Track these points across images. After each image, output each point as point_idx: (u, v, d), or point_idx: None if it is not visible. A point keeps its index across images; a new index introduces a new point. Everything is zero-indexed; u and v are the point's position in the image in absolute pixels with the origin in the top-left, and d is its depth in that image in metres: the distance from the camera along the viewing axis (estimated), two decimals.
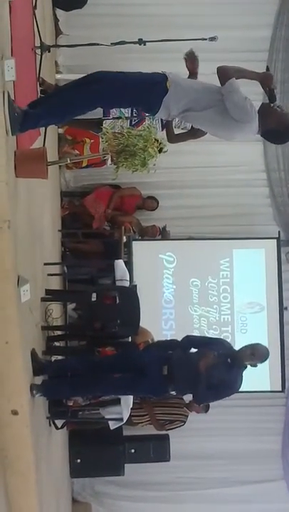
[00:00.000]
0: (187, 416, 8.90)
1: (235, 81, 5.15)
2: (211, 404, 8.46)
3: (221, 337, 9.80)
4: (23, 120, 4.85)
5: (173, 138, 8.02)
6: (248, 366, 6.46)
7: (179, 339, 6.81)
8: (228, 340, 9.64)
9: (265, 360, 6.53)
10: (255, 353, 6.42)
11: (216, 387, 6.37)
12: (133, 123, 8.95)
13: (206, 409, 8.83)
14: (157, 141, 8.67)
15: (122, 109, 8.72)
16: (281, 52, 10.05)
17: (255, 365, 6.44)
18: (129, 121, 8.92)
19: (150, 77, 5.21)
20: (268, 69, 5.37)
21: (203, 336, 7.14)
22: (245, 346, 6.49)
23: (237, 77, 5.23)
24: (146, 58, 8.79)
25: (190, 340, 6.77)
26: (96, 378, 6.55)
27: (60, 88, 6.67)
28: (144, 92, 5.19)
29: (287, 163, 10.45)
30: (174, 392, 6.63)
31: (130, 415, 8.41)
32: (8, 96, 4.64)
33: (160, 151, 8.57)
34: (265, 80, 5.25)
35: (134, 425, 9.02)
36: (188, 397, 8.68)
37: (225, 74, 5.21)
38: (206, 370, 6.27)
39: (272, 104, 5.25)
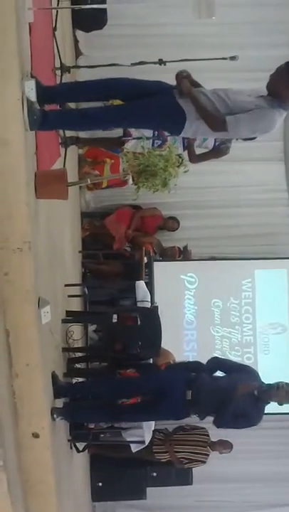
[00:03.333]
0: (208, 455, 8.77)
1: (232, 122, 5.13)
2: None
3: (244, 358, 9.77)
4: (42, 121, 4.86)
5: (195, 158, 7.99)
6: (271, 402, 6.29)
7: (202, 361, 6.70)
8: (251, 361, 9.63)
9: None
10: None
11: (237, 417, 6.23)
12: (156, 145, 8.92)
13: (231, 447, 8.72)
14: (179, 156, 8.63)
15: (144, 131, 8.70)
16: None
17: (281, 404, 6.26)
18: (151, 142, 8.90)
19: (172, 99, 5.19)
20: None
21: (232, 360, 6.97)
22: (279, 384, 6.20)
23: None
24: (167, 78, 8.75)
25: (219, 363, 6.61)
26: (117, 405, 6.47)
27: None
28: (168, 113, 5.20)
29: None
30: (195, 415, 6.52)
31: (152, 450, 8.37)
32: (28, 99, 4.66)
33: (179, 166, 8.53)
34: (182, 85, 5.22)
35: (155, 459, 8.93)
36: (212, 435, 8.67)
37: None
38: (240, 397, 6.11)
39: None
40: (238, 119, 5.14)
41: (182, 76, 5.25)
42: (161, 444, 8.78)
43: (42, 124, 4.88)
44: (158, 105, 5.18)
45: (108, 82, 5.30)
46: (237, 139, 5.51)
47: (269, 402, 6.25)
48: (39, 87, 4.82)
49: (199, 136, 5.33)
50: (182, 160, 8.51)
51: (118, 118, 5.34)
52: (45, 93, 4.92)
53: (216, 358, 6.78)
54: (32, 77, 4.85)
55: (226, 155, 7.55)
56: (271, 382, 6.26)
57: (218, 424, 6.41)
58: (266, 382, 6.32)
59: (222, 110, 5.17)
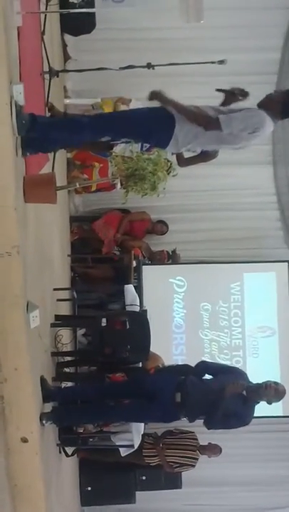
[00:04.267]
0: (197, 459, 8.77)
1: (225, 119, 5.20)
2: (221, 431, 8.36)
3: (233, 361, 9.78)
4: (30, 126, 4.87)
5: (183, 162, 7.98)
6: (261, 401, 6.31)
7: (190, 364, 6.72)
8: (240, 364, 9.63)
9: (281, 399, 6.38)
10: (279, 392, 6.26)
11: (227, 417, 6.25)
12: (144, 149, 8.92)
13: (220, 451, 8.72)
14: (168, 160, 8.63)
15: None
16: None
17: (270, 403, 6.29)
18: (140, 147, 8.89)
19: (159, 113, 5.23)
20: (219, 90, 5.44)
21: (220, 363, 6.96)
22: (267, 382, 6.24)
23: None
24: (155, 82, 8.75)
25: (207, 366, 6.64)
26: (106, 405, 6.47)
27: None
28: (154, 127, 5.25)
29: None
30: (185, 418, 6.53)
31: (142, 454, 8.36)
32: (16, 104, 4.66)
33: (168, 171, 8.53)
34: (232, 99, 5.39)
35: (145, 463, 8.92)
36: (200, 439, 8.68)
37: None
38: (229, 397, 6.12)
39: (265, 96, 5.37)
40: (230, 116, 5.21)
41: (159, 96, 5.29)
42: (152, 448, 8.77)
43: (30, 129, 4.87)
44: (148, 114, 5.27)
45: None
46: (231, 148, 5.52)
47: (259, 402, 6.27)
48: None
49: (192, 144, 5.33)
50: (171, 164, 8.51)
51: (108, 125, 5.35)
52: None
53: (204, 361, 6.79)
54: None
55: (214, 158, 7.55)
56: (259, 382, 6.30)
57: (209, 425, 6.42)
58: (253, 382, 6.36)
59: (211, 113, 5.23)
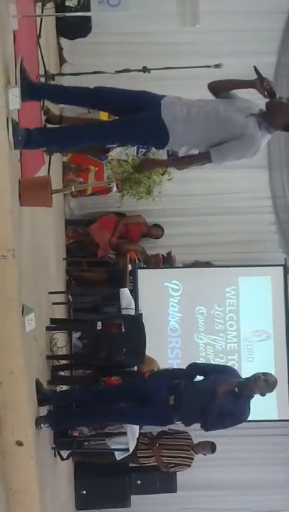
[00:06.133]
0: (193, 459, 8.78)
1: (216, 155, 5.21)
2: (218, 433, 8.36)
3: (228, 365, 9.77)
4: (27, 141, 4.88)
5: (180, 164, 7.99)
6: (256, 395, 6.34)
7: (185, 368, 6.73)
8: (235, 368, 9.63)
9: (274, 389, 6.41)
10: (269, 382, 6.28)
11: (223, 416, 6.26)
12: (140, 154, 8.92)
13: (213, 449, 8.71)
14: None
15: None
16: (286, 78, 10.06)
17: (264, 394, 6.31)
18: (136, 150, 8.90)
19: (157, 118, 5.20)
20: (256, 70, 5.23)
21: (210, 363, 6.98)
22: (255, 375, 6.28)
23: (229, 88, 5.27)
24: (151, 86, 8.73)
25: (197, 368, 6.69)
26: (101, 408, 6.47)
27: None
28: (152, 133, 5.23)
29: None
30: (179, 422, 6.54)
31: (137, 455, 8.34)
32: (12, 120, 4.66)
33: (163, 174, 8.54)
34: (258, 84, 5.19)
35: (140, 464, 8.91)
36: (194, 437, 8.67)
37: (217, 87, 5.26)
38: (222, 396, 6.14)
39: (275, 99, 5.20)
40: (221, 150, 5.20)
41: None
42: (147, 448, 8.76)
43: (27, 144, 4.90)
44: (142, 124, 5.19)
45: (94, 92, 5.31)
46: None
47: (253, 396, 6.29)
48: (25, 80, 4.88)
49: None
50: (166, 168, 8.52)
51: (103, 136, 5.36)
52: (31, 88, 4.95)
53: (194, 363, 6.81)
54: (21, 66, 4.86)
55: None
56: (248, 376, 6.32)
57: (206, 427, 6.44)
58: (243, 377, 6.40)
59: (211, 128, 5.16)
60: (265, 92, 5.18)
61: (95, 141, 5.49)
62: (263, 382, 6.23)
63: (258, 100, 5.32)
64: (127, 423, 7.15)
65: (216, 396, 6.12)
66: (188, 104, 5.19)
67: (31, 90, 4.97)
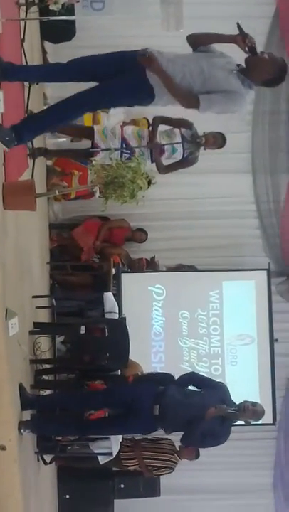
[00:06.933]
0: (176, 463, 8.76)
1: (205, 101, 5.17)
2: None
3: (211, 369, 9.79)
4: (16, 138, 4.86)
5: (163, 169, 8.01)
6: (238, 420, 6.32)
7: (170, 372, 6.70)
8: (219, 372, 9.65)
9: (260, 419, 6.40)
10: (256, 413, 6.26)
11: (204, 437, 6.23)
12: (124, 158, 8.91)
13: (197, 456, 8.70)
14: (145, 174, 8.63)
15: (111, 143, 8.67)
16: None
17: (248, 423, 6.30)
18: (119, 154, 8.88)
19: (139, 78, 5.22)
20: (238, 26, 5.24)
21: (208, 378, 6.89)
22: (245, 404, 6.22)
23: (209, 42, 5.35)
24: None
25: (194, 378, 6.62)
26: (84, 420, 6.45)
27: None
28: (136, 93, 5.28)
29: (277, 194, 10.45)
30: (162, 430, 6.51)
31: (120, 457, 8.32)
32: None
33: (149, 183, 8.54)
34: (240, 40, 5.20)
35: (123, 467, 8.89)
36: (178, 442, 8.65)
37: (197, 41, 5.36)
38: (210, 419, 6.10)
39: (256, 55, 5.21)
40: (211, 98, 5.18)
41: (147, 60, 5.29)
42: (130, 451, 8.73)
43: (20, 139, 4.89)
44: (125, 87, 5.24)
45: (69, 66, 5.29)
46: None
47: (235, 422, 6.28)
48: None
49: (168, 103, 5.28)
50: (150, 179, 8.51)
51: (88, 103, 5.37)
52: (5, 68, 4.96)
53: (193, 372, 6.78)
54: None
55: (193, 165, 7.57)
56: (237, 403, 6.28)
57: (186, 443, 6.44)
58: (234, 401, 6.34)
59: (196, 84, 5.18)
60: (247, 48, 5.19)
61: (84, 108, 5.44)
62: (251, 413, 6.21)
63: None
64: (108, 434, 7.13)
65: (204, 417, 6.08)
66: (172, 61, 5.21)
67: (5, 70, 4.95)
